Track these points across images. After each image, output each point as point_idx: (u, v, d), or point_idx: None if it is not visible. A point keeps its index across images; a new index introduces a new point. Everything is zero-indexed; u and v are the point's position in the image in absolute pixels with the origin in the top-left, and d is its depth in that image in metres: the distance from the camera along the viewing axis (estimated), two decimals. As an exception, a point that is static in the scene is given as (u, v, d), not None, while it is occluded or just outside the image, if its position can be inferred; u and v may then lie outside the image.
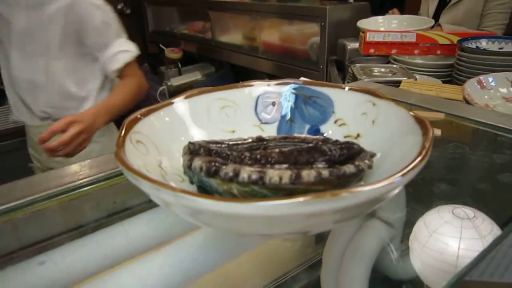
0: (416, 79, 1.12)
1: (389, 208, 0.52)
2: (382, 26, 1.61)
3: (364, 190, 0.24)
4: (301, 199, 0.23)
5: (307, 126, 0.44)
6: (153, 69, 2.53)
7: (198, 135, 0.41)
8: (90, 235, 0.40)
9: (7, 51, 1.13)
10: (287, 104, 0.45)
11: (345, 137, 0.41)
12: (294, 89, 0.45)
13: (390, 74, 1.16)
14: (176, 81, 2.29)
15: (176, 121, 0.40)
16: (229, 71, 2.51)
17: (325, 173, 0.28)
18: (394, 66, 1.23)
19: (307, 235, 0.49)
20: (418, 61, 1.29)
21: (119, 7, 2.59)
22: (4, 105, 1.86)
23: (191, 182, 0.33)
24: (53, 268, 0.34)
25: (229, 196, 0.30)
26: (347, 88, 0.41)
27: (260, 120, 0.44)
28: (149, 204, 0.44)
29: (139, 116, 0.37)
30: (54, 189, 0.43)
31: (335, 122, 0.42)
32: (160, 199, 0.28)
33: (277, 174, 0.28)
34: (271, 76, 2.08)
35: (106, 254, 0.38)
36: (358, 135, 0.40)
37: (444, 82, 1.16)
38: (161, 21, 2.71)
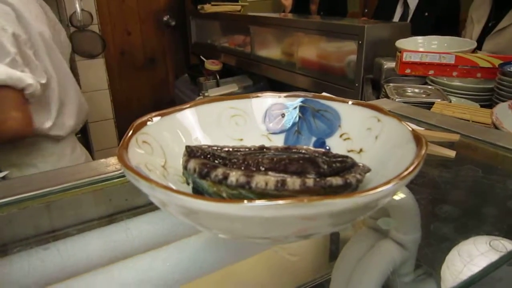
0: (450, 101, 1.08)
1: (403, 229, 0.50)
2: (421, 47, 1.57)
3: (336, 201, 0.24)
4: (271, 203, 0.24)
5: (314, 139, 0.44)
6: (192, 79, 2.61)
7: (204, 141, 0.42)
8: (94, 230, 0.42)
9: None
10: (295, 116, 0.45)
11: (348, 151, 0.41)
12: (303, 101, 0.45)
13: (423, 95, 1.13)
14: (213, 92, 2.34)
15: (185, 126, 0.42)
16: (266, 85, 2.53)
17: (310, 182, 0.28)
18: (429, 87, 1.20)
19: (315, 250, 0.49)
20: (457, 83, 1.24)
21: (165, 19, 2.71)
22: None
23: (187, 183, 0.35)
24: (56, 254, 0.36)
25: (219, 198, 0.31)
26: (350, 102, 0.41)
27: (268, 130, 0.45)
28: (152, 206, 0.46)
29: (149, 118, 0.39)
30: (66, 184, 0.46)
31: (341, 136, 0.42)
32: (156, 198, 0.30)
33: (263, 179, 0.28)
34: (307, 92, 2.08)
35: (108, 248, 0.40)
36: (361, 150, 0.40)
37: (483, 106, 1.11)
38: (204, 34, 2.79)
